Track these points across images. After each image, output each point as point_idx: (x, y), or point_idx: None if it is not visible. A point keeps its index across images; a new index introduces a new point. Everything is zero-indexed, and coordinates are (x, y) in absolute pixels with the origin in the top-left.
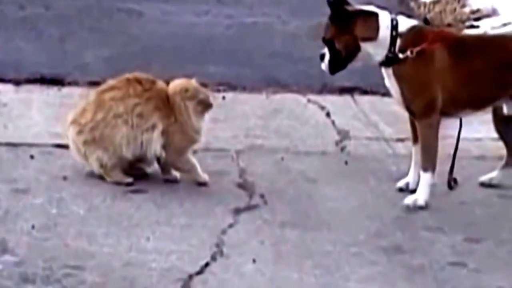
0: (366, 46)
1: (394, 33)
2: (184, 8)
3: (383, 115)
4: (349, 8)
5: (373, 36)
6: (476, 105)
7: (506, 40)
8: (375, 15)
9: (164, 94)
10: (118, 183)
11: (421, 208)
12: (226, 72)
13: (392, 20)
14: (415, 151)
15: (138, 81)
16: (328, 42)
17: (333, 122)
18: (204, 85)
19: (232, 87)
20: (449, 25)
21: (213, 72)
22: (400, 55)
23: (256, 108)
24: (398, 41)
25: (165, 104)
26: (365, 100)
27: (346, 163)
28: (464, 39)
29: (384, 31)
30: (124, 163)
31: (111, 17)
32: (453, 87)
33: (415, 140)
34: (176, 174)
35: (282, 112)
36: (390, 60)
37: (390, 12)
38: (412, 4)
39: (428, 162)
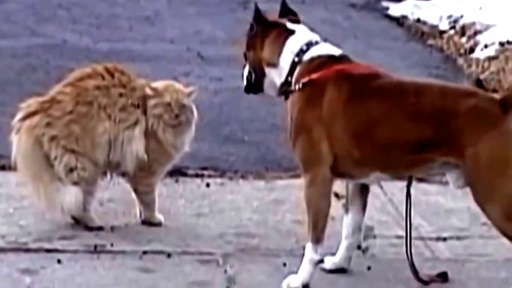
0: (269, 72)
1: (296, 59)
2: (158, 68)
3: (419, 207)
4: (271, 20)
5: (274, 61)
6: (384, 167)
7: (423, 86)
8: (286, 35)
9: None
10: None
11: None
12: (211, 151)
13: (305, 45)
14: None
15: (121, 71)
16: (244, 56)
17: None
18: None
19: (219, 171)
20: (509, 88)
21: (195, 151)
22: (292, 87)
23: (251, 198)
24: (297, 70)
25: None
26: (395, 187)
27: (369, 268)
28: (370, 77)
29: (287, 57)
30: (95, 173)
31: (59, 80)
32: (345, 136)
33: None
34: (160, 217)
35: (285, 204)
36: (283, 92)
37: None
38: (461, 61)
39: (311, 231)
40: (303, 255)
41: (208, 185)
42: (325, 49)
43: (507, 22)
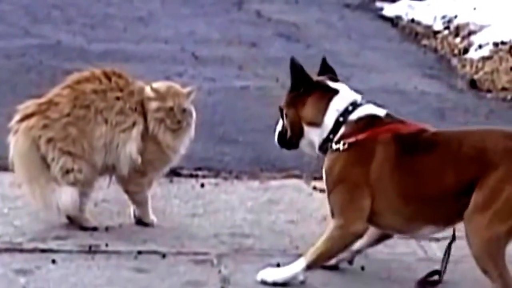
0: (309, 132)
1: (341, 119)
2: (152, 68)
3: None
4: (315, 78)
5: (317, 121)
6: (435, 219)
7: (467, 133)
8: (330, 94)
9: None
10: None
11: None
12: (206, 152)
13: (351, 105)
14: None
15: (118, 74)
16: (280, 110)
17: None
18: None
19: (214, 172)
20: (503, 89)
21: (189, 151)
22: (334, 146)
23: (245, 198)
24: (342, 129)
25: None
26: None
27: (362, 268)
28: (417, 134)
29: (331, 116)
30: (92, 176)
31: (53, 80)
32: (395, 195)
33: None
34: (153, 218)
35: (279, 204)
36: (324, 147)
37: (363, 97)
38: (455, 61)
39: (313, 257)
40: (296, 255)
41: (202, 185)
42: (370, 110)
43: (501, 23)
